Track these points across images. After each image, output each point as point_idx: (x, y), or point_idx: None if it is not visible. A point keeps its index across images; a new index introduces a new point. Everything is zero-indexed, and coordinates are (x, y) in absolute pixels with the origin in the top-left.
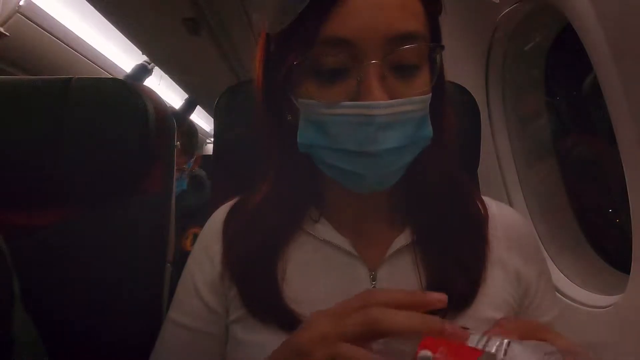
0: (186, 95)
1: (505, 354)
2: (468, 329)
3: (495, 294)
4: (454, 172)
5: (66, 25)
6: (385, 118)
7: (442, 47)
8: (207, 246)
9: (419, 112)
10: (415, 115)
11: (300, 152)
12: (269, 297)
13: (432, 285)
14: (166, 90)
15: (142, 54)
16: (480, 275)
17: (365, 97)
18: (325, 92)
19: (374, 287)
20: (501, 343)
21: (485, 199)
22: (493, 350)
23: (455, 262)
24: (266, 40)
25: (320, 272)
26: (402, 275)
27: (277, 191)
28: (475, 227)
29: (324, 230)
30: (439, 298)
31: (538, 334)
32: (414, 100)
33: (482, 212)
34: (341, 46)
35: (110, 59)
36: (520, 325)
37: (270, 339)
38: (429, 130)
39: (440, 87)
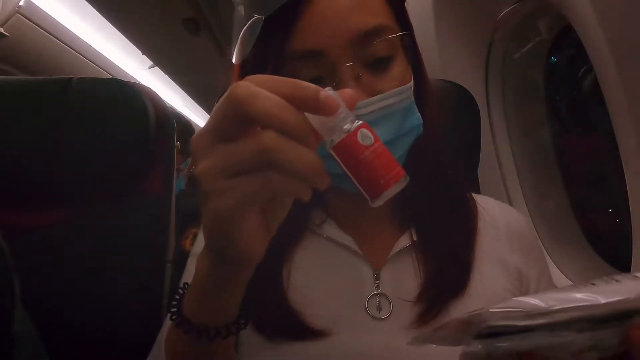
0: (186, 95)
1: None
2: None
3: (496, 292)
4: (446, 167)
5: (66, 26)
6: (368, 116)
7: (407, 34)
8: None
9: (402, 103)
10: (398, 107)
11: None
12: (273, 296)
13: (428, 282)
14: (166, 90)
15: (142, 54)
16: (470, 265)
17: None
18: None
19: (377, 286)
20: None
21: (486, 198)
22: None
23: (450, 259)
24: (241, 67)
25: (324, 271)
26: (403, 275)
27: None
28: (467, 223)
29: (330, 229)
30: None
31: None
32: (395, 92)
33: (471, 205)
34: (311, 57)
35: (110, 59)
36: None
37: (272, 342)
38: (417, 118)
39: (419, 77)
